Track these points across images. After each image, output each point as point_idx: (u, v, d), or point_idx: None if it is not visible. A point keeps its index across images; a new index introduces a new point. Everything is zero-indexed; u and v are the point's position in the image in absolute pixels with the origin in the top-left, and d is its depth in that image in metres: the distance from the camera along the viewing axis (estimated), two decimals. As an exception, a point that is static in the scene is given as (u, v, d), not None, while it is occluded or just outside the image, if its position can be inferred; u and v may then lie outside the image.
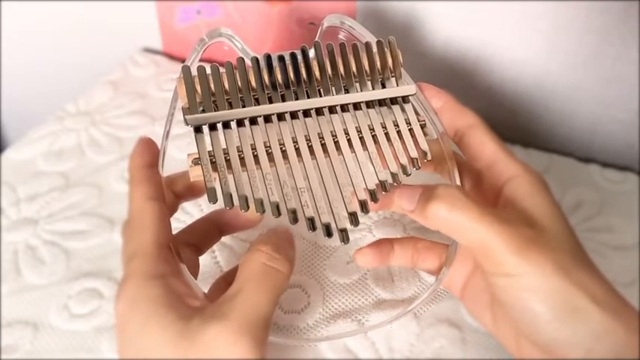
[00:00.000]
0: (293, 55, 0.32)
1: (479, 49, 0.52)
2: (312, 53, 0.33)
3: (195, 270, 0.34)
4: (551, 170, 0.50)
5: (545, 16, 0.48)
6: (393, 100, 0.33)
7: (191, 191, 0.34)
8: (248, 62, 0.32)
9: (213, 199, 0.28)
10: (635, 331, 0.26)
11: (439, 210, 0.28)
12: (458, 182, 0.32)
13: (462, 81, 0.54)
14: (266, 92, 0.32)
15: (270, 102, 0.31)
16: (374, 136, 0.32)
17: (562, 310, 0.26)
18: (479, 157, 0.32)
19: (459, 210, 0.28)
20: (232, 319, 0.26)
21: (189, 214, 0.44)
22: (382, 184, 0.31)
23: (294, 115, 0.32)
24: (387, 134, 0.32)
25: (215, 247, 0.41)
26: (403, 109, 0.33)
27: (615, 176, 0.50)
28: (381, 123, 0.32)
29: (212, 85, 0.31)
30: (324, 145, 0.31)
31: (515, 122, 0.55)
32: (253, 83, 0.31)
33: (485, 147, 0.31)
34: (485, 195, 0.32)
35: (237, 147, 0.30)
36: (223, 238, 0.41)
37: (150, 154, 0.32)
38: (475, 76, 0.54)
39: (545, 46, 0.50)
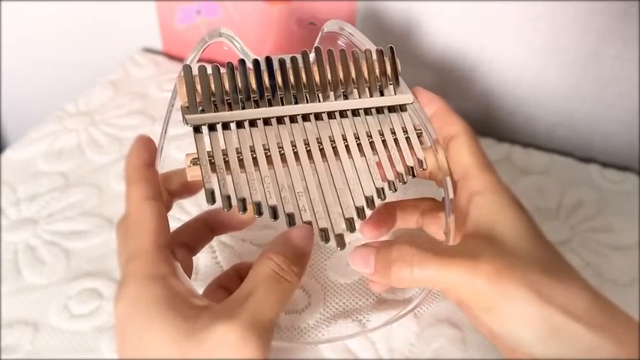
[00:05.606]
0: (294, 59, 0.32)
1: (478, 49, 0.52)
2: (312, 57, 0.33)
3: (189, 270, 0.34)
4: (551, 170, 0.50)
5: (544, 16, 0.48)
6: (391, 108, 0.33)
7: (186, 189, 0.34)
8: (248, 64, 0.32)
9: (210, 200, 0.28)
10: (624, 343, 0.26)
11: (400, 273, 0.28)
12: (451, 191, 0.32)
13: (461, 82, 0.54)
14: (266, 95, 0.32)
15: (270, 105, 0.31)
16: (371, 143, 0.32)
17: (544, 332, 0.26)
18: (454, 169, 0.32)
19: (419, 267, 0.28)
20: (242, 318, 0.26)
21: (189, 213, 0.44)
22: (379, 191, 0.31)
23: (293, 118, 0.32)
24: (384, 142, 0.32)
25: (215, 246, 0.41)
26: (400, 118, 0.33)
27: (615, 176, 0.50)
28: (378, 130, 0.33)
29: (212, 86, 0.31)
30: (322, 150, 0.31)
31: (514, 122, 0.55)
32: (254, 85, 0.31)
33: (461, 159, 0.32)
34: (459, 207, 0.32)
35: (237, 149, 0.30)
36: (224, 238, 0.41)
37: (147, 153, 0.31)
38: (475, 76, 0.54)
39: (544, 47, 0.50)
